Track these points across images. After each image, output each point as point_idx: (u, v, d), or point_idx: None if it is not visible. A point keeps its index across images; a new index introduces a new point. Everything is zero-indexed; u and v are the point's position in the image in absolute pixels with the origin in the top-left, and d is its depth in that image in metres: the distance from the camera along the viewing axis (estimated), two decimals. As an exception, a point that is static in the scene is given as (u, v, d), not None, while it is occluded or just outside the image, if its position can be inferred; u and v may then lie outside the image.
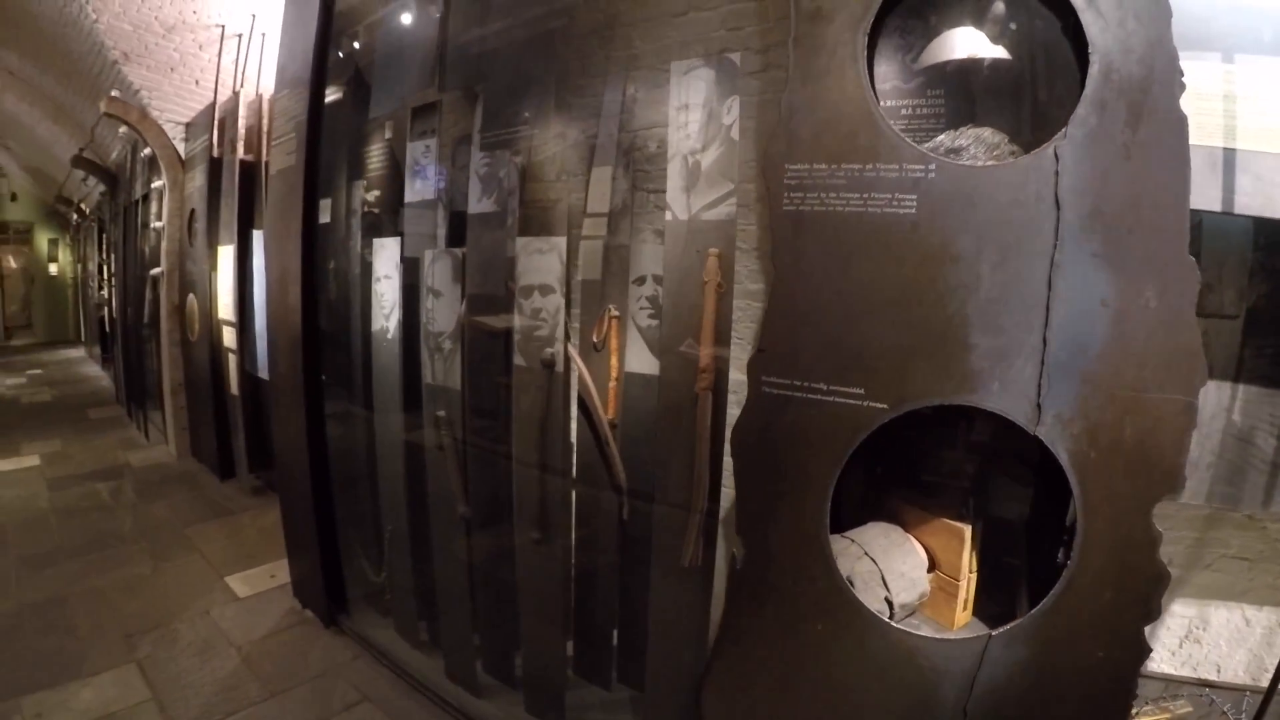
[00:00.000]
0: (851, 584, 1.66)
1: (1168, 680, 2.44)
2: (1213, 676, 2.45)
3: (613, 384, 2.27)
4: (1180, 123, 1.35)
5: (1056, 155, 1.35)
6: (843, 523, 1.82)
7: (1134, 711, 2.31)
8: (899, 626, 1.59)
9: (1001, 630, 1.46)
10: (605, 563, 2.36)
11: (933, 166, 1.42)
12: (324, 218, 3.11)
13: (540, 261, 2.25)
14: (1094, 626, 1.41)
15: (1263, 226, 2.02)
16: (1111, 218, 1.33)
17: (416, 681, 2.63)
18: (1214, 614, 2.40)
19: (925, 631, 1.68)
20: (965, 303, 1.39)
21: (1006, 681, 1.48)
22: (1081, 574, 1.39)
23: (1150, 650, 1.37)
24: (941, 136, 1.63)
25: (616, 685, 2.37)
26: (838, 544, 1.72)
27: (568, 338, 2.25)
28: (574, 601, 2.43)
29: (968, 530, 1.77)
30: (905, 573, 1.78)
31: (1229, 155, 1.91)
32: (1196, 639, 2.42)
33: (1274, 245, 2.01)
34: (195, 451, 5.26)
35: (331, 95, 3.02)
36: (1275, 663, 2.36)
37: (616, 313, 2.28)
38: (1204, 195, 1.85)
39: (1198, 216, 1.97)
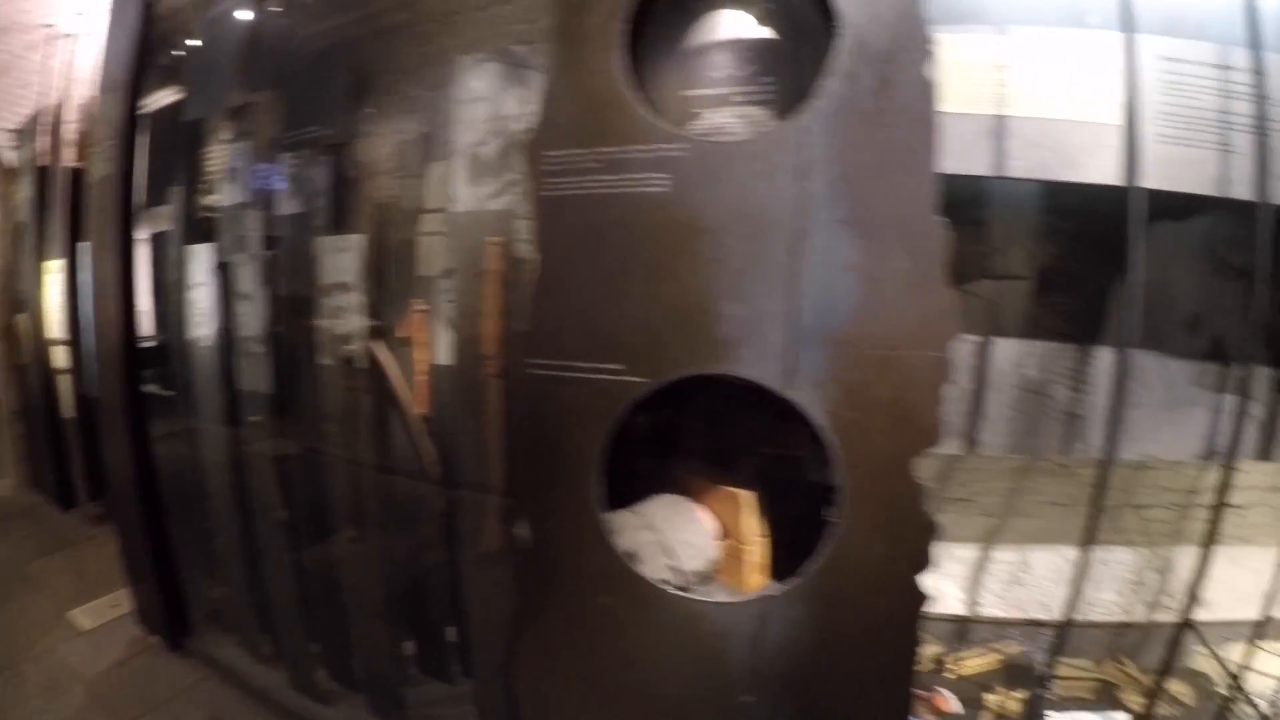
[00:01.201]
0: (635, 556, 1.68)
1: (996, 623, 2.58)
2: (1040, 615, 2.60)
3: (422, 377, 2.24)
4: (927, 89, 1.39)
5: (803, 127, 1.38)
6: (639, 499, 1.87)
7: (963, 655, 2.44)
8: (680, 594, 1.62)
9: (779, 590, 1.52)
10: (430, 557, 2.34)
11: (684, 145, 1.45)
12: (161, 226, 2.96)
13: (340, 260, 2.22)
14: (871, 580, 1.47)
15: (1051, 191, 2.13)
16: (859, 184, 1.38)
17: (263, 696, 2.57)
18: (1035, 557, 2.54)
19: (711, 597, 1.70)
20: (715, 275, 1.43)
21: (794, 639, 1.53)
22: (851, 530, 1.45)
23: (927, 597, 1.43)
24: (709, 115, 1.65)
25: (462, 678, 2.35)
26: (621, 519, 1.75)
27: (374, 335, 2.21)
28: (403, 598, 2.40)
29: (746, 496, 1.82)
30: (691, 541, 1.82)
31: (1001, 122, 1.99)
32: (1021, 581, 2.57)
33: (1062, 209, 2.12)
34: (36, 483, 4.91)
35: (164, 99, 2.89)
36: (1099, 597, 2.54)
37: (423, 306, 2.24)
38: (976, 160, 1.94)
39: (980, 182, 2.07)
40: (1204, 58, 2.12)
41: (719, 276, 1.43)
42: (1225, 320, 2.26)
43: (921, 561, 1.43)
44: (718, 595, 1.77)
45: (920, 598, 1.43)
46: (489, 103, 2.09)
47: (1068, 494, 2.48)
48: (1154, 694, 2.45)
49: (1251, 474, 2.55)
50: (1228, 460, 2.10)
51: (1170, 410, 2.20)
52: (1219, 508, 1.76)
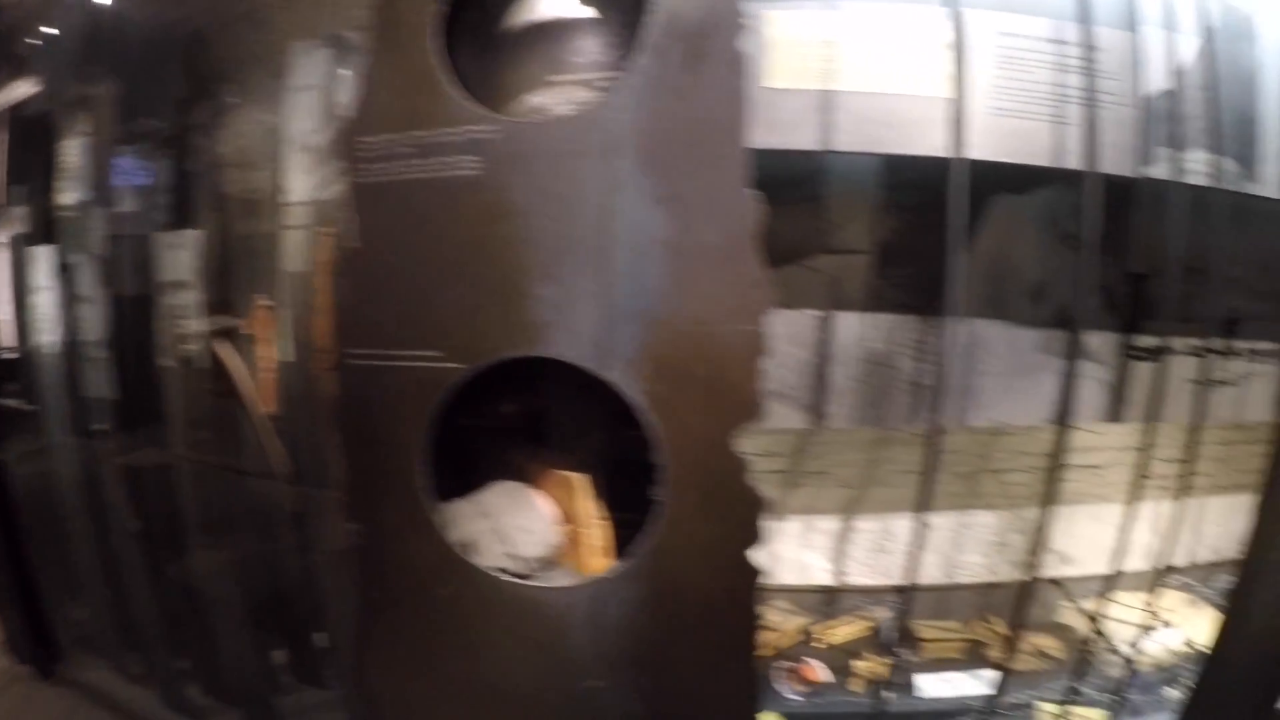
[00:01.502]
0: (471, 546, 1.67)
1: (864, 591, 2.63)
2: (906, 581, 2.65)
3: (268, 375, 2.19)
4: (738, 62, 1.36)
5: (612, 104, 1.35)
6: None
7: (832, 624, 2.48)
8: (514, 581, 1.61)
9: (611, 573, 1.49)
10: (289, 560, 2.30)
11: (495, 127, 1.41)
12: (17, 228, 2.83)
13: (177, 257, 2.14)
14: (702, 557, 1.44)
15: (890, 166, 2.13)
16: (669, 160, 1.35)
17: (138, 718, 2.50)
18: (898, 525, 2.58)
19: (544, 583, 1.71)
20: (527, 256, 1.40)
21: (632, 621, 1.50)
22: (677, 509, 1.42)
23: (760, 573, 1.40)
24: (530, 97, 1.62)
25: (334, 683, 2.32)
26: (456, 509, 1.73)
27: (218, 333, 2.15)
28: (268, 604, 2.36)
29: (579, 479, 1.81)
30: (528, 527, 1.80)
31: (831, 97, 1.98)
32: (886, 549, 2.61)
33: (901, 184, 2.13)
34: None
35: (16, 92, 2.76)
36: (964, 559, 2.60)
37: (266, 302, 2.18)
38: (806, 135, 1.93)
39: (817, 158, 2.06)
40: (1038, 32, 2.14)
41: (531, 258, 1.40)
42: (1069, 289, 2.31)
43: (751, 537, 1.40)
44: (561, 580, 1.76)
45: (753, 573, 1.41)
46: (322, 90, 2.03)
47: (924, 462, 2.52)
48: (1011, 645, 2.53)
49: (1106, 435, 2.62)
50: (1062, 422, 2.15)
51: (1018, 377, 2.24)
52: (1055, 469, 1.80)
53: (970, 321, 2.21)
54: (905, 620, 2.52)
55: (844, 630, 2.52)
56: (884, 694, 2.33)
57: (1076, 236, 2.28)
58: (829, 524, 2.55)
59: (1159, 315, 2.44)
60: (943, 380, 1.47)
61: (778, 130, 1.98)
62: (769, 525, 1.44)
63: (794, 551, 2.55)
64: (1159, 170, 2.22)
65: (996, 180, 2.20)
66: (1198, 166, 2.26)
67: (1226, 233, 2.38)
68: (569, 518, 1.88)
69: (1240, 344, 2.58)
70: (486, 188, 1.41)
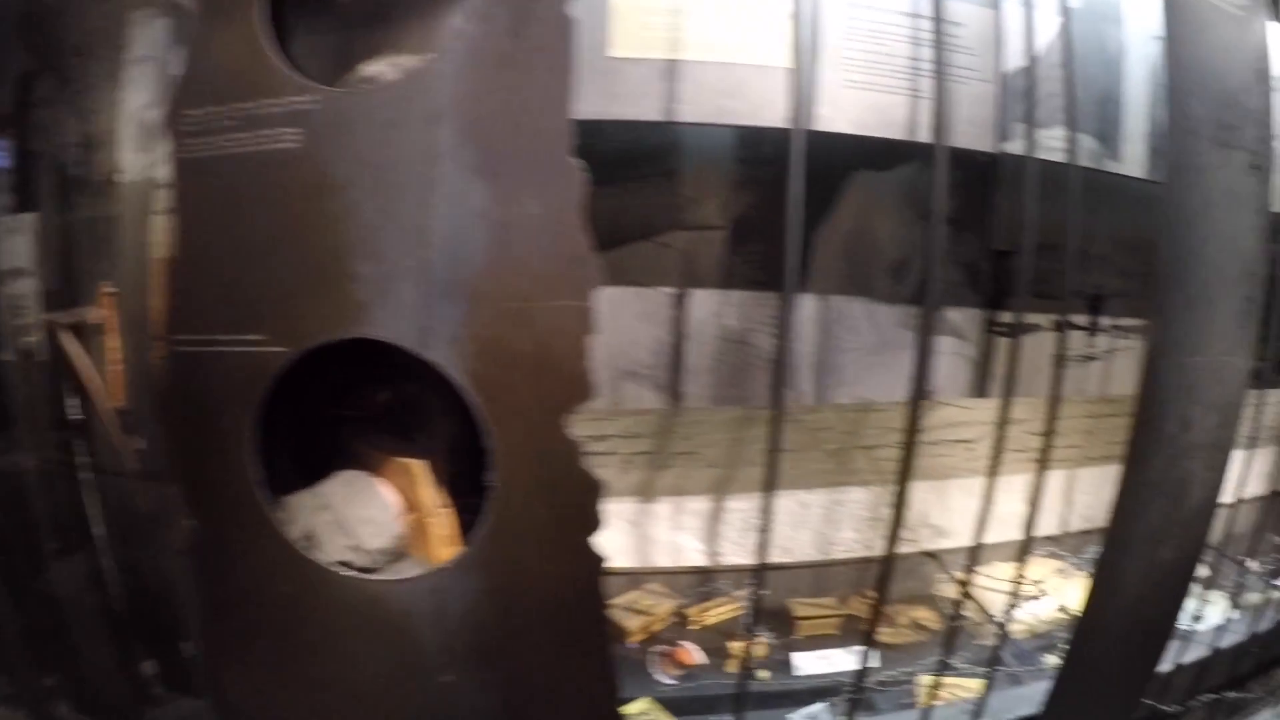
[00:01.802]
0: (312, 539, 1.57)
1: (738, 570, 2.57)
2: (783, 558, 2.60)
3: (116, 367, 2.03)
4: (565, 27, 1.28)
5: (434, 71, 1.27)
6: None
7: (707, 605, 2.41)
8: (354, 576, 1.51)
9: (449, 564, 1.41)
10: (149, 563, 2.16)
11: (316, 97, 1.31)
12: None
13: (12, 243, 1.98)
14: (541, 544, 1.38)
15: (743, 140, 2.05)
16: (491, 128, 1.28)
17: (9, 740, 2.33)
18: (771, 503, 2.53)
19: (399, 575, 1.60)
20: (346, 232, 1.32)
21: (476, 613, 1.43)
22: (509, 494, 1.35)
23: (603, 560, 1.35)
24: (364, 67, 1.53)
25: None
26: (296, 501, 1.62)
27: (58, 324, 2.00)
28: (133, 610, 2.21)
29: (418, 466, 1.72)
30: (372, 518, 1.71)
31: (677, 66, 1.90)
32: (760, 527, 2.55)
33: (756, 158, 2.05)
34: None
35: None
36: (839, 535, 2.55)
37: (112, 289, 2.03)
38: (647, 106, 1.84)
39: (668, 131, 1.97)
40: (894, 6, 2.08)
41: (351, 235, 1.32)
42: (927, 265, 2.26)
43: (589, 523, 1.35)
44: (409, 572, 1.66)
45: (596, 560, 1.36)
46: (159, 63, 1.88)
47: (794, 440, 2.46)
48: (885, 619, 2.49)
49: (975, 410, 2.59)
50: (918, 397, 2.09)
51: (880, 354, 2.18)
52: (909, 445, 1.75)
53: (829, 298, 2.15)
54: (760, 600, 2.47)
55: (718, 611, 2.46)
56: (759, 674, 2.26)
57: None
58: (700, 505, 2.48)
59: (1022, 292, 2.40)
60: (783, 356, 1.41)
61: (621, 101, 1.89)
62: (605, 509, 1.37)
63: (666, 533, 2.48)
64: (1017, 146, 2.17)
65: (856, 155, 2.14)
66: (1056, 144, 2.22)
67: (1088, 211, 2.35)
68: (412, 506, 1.79)
69: (1105, 320, 2.55)
70: (307, 161, 1.32)
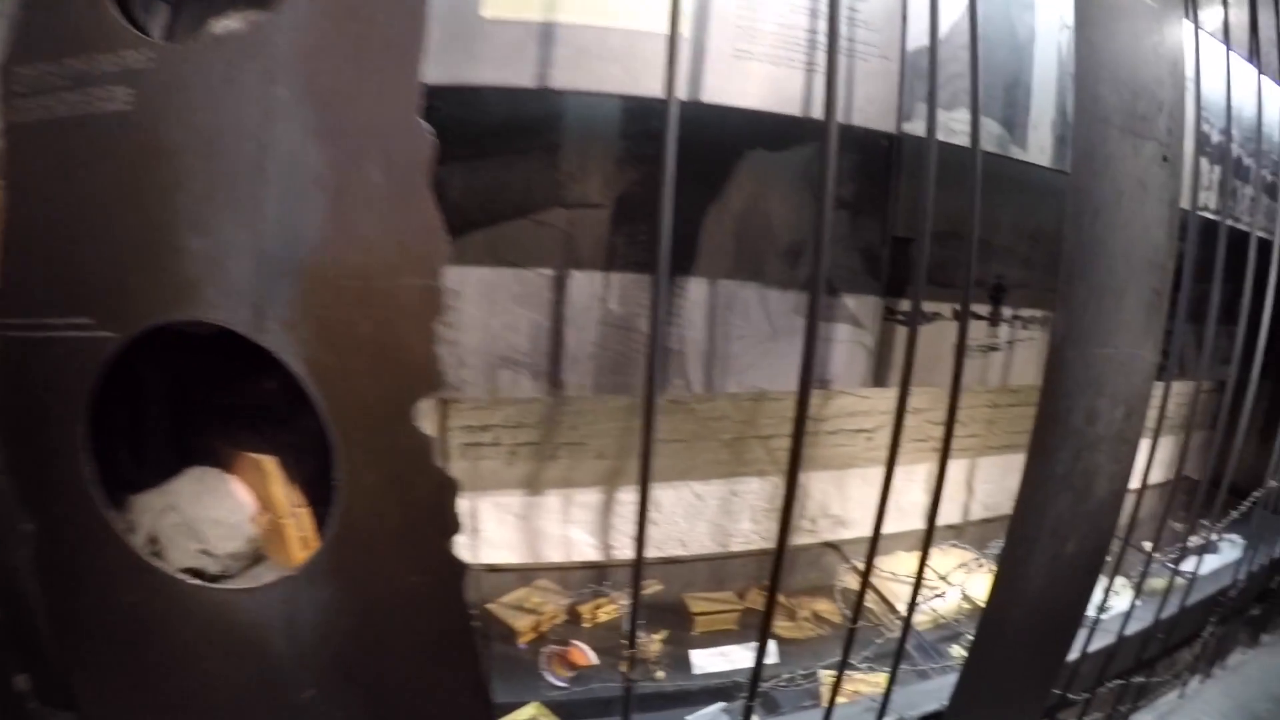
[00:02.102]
0: (159, 543, 1.43)
1: (629, 565, 2.42)
2: (679, 551, 2.46)
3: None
4: None
5: (274, 24, 1.12)
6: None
7: (600, 602, 2.25)
8: (200, 585, 1.36)
9: (298, 570, 1.27)
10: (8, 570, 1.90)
11: (152, 55, 1.15)
12: None
13: None
14: (396, 550, 1.25)
15: (631, 113, 1.88)
16: (331, 86, 1.13)
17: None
18: (662, 494, 2.38)
19: (256, 582, 1.42)
20: (176, 203, 1.16)
21: (331, 623, 1.29)
22: (355, 495, 1.21)
23: (466, 566, 1.23)
24: (213, 22, 1.36)
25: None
26: (142, 501, 1.48)
27: None
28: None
29: (268, 463, 1.54)
30: (223, 519, 1.53)
31: (551, 28, 1.70)
32: (652, 520, 2.40)
33: (642, 133, 1.88)
34: None
35: None
36: (736, 527, 2.41)
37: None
38: (522, 71, 1.66)
39: (553, 102, 1.79)
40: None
41: (181, 205, 1.17)
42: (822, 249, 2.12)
43: (446, 525, 1.22)
44: (267, 578, 1.47)
45: (458, 566, 1.24)
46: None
47: (687, 430, 2.32)
48: (786, 613, 2.37)
49: (874, 399, 2.48)
50: (806, 387, 1.96)
51: (774, 342, 2.03)
52: (798, 434, 1.60)
53: (719, 283, 1.99)
54: (640, 597, 2.33)
55: (611, 608, 2.31)
56: (655, 674, 2.12)
57: (835, 196, 2.09)
58: (590, 497, 2.32)
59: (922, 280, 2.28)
60: (654, 343, 1.23)
61: (493, 65, 1.70)
62: (462, 509, 1.23)
63: (556, 527, 2.31)
64: (919, 127, 2.04)
65: (748, 132, 1.98)
66: (959, 127, 2.09)
67: (991, 198, 2.24)
68: (267, 506, 1.60)
69: (1007, 310, 2.45)
70: (138, 125, 1.16)
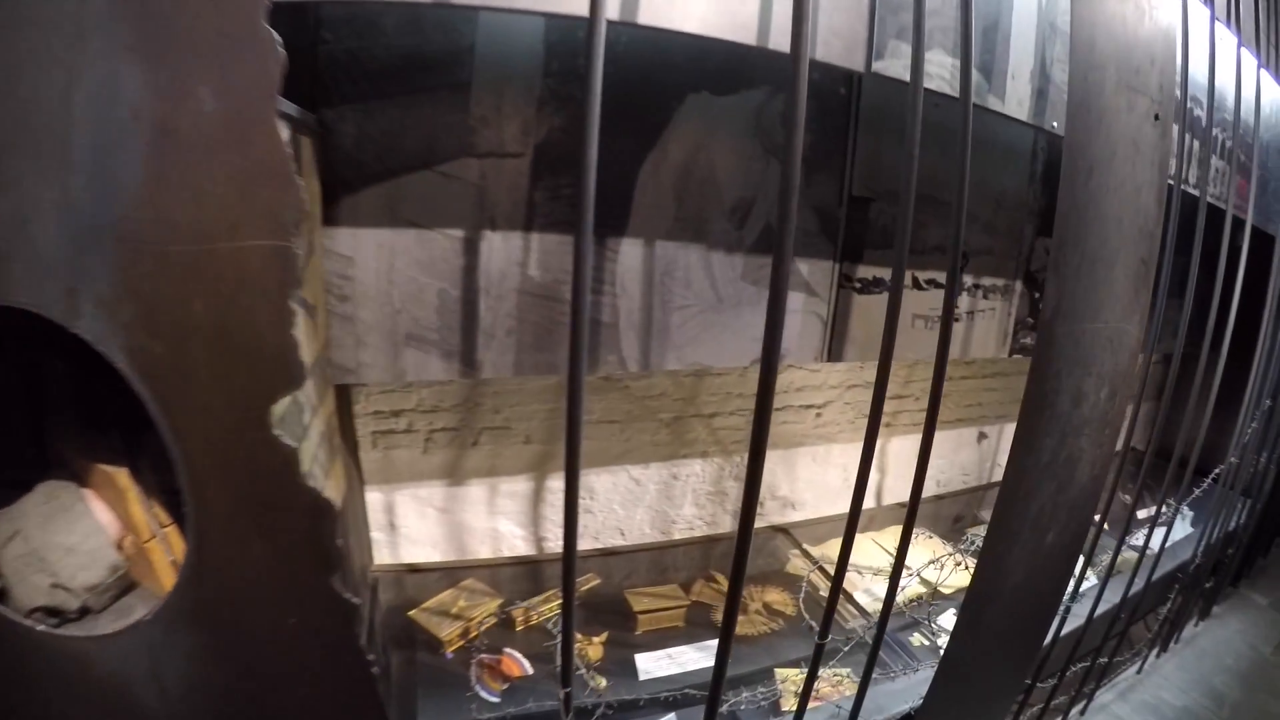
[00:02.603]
0: (3, 578, 1.14)
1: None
2: (618, 542, 2.17)
3: None
4: None
5: None
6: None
7: (534, 601, 1.95)
8: (50, 632, 1.07)
9: (155, 614, 0.99)
10: None
11: None
12: None
13: None
14: (265, 589, 0.99)
15: (555, 49, 1.54)
16: None
17: None
18: (597, 481, 2.08)
19: (92, 629, 1.14)
20: None
21: (204, 674, 1.03)
22: (209, 523, 0.94)
23: (358, 604, 0.97)
24: None
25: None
26: None
27: None
28: None
29: (122, 475, 1.22)
30: (76, 545, 1.23)
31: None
32: (587, 509, 2.11)
33: (567, 70, 1.54)
34: None
35: None
36: (679, 513, 2.12)
37: None
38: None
39: (459, 29, 1.44)
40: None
41: None
42: (774, 209, 1.82)
43: (323, 558, 0.97)
44: (138, 611, 1.15)
45: (345, 607, 0.98)
46: None
47: (622, 410, 2.02)
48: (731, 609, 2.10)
49: (823, 373, 2.20)
50: (770, 361, 1.67)
51: (719, 312, 1.73)
52: (761, 430, 1.30)
53: (657, 245, 1.68)
54: (571, 596, 2.04)
55: (547, 607, 2.00)
56: (595, 681, 1.83)
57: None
58: (518, 486, 2.00)
59: (880, 244, 2.00)
60: (579, 313, 0.90)
61: (377, -20, 1.34)
62: (339, 540, 0.96)
63: (483, 520, 2.00)
64: (890, 67, 1.73)
65: (694, 71, 1.66)
66: (936, 70, 1.79)
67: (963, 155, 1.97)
68: (128, 525, 1.27)
69: (969, 279, 2.19)
70: None
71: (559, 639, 1.10)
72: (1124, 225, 1.38)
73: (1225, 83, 2.16)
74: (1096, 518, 2.12)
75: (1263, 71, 2.25)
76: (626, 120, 1.61)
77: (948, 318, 1.29)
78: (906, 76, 1.71)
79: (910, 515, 1.40)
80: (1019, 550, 1.51)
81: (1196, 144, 2.20)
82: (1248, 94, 2.06)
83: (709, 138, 1.70)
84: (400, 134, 1.51)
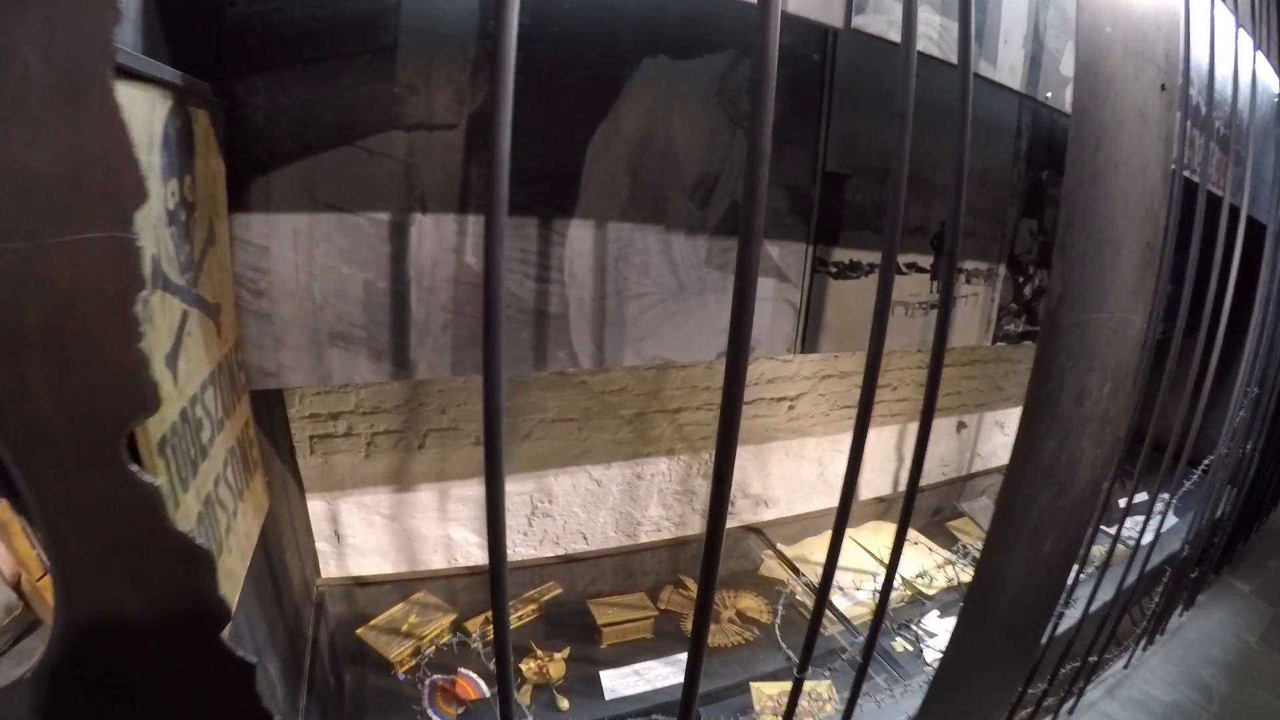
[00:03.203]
0: None
1: (528, 566, 1.89)
2: (580, 547, 1.94)
3: None
4: None
5: None
6: None
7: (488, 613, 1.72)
8: None
9: (30, 671, 0.78)
10: None
11: None
12: None
13: None
14: (142, 646, 0.79)
15: (492, 5, 1.29)
16: None
17: None
18: (555, 483, 1.85)
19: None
20: None
21: None
22: (70, 572, 0.75)
23: (251, 666, 0.79)
24: None
25: None
26: None
27: None
28: None
29: (4, 509, 1.01)
30: None
31: None
32: (546, 513, 1.88)
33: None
34: None
35: None
36: (645, 514, 1.89)
37: None
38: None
39: None
40: None
41: None
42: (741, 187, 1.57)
43: (206, 612, 0.78)
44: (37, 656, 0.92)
45: (241, 668, 0.79)
46: None
47: (579, 407, 1.79)
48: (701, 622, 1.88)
49: (795, 363, 1.97)
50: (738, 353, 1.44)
51: (680, 301, 1.49)
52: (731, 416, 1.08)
53: (610, 227, 1.44)
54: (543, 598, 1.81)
55: (511, 619, 1.76)
56: (558, 702, 1.61)
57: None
58: (471, 490, 1.77)
59: (858, 225, 1.77)
60: (495, 310, 0.66)
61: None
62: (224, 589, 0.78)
63: (434, 528, 1.76)
64: (873, 23, 1.49)
65: (649, 33, 1.41)
66: (928, 30, 1.55)
67: (939, 128, 1.73)
68: (18, 563, 1.05)
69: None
70: None
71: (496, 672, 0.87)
72: (1130, 205, 1.18)
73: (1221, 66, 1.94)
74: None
75: (1258, 54, 2.03)
76: (573, 87, 1.36)
77: (946, 303, 1.06)
78: (890, 34, 1.49)
79: (903, 522, 1.18)
80: (1016, 561, 1.33)
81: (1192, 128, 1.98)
82: (1244, 77, 1.85)
83: (667, 107, 1.46)
84: (317, 106, 1.26)
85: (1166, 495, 1.99)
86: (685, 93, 1.47)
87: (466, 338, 1.37)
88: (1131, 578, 1.93)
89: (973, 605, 1.34)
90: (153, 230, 0.85)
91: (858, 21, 1.42)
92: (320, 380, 1.35)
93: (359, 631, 1.69)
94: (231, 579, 1.15)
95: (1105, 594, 1.91)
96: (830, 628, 1.84)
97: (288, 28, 1.21)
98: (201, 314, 1.13)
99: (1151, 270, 1.27)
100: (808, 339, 1.74)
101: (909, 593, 2.00)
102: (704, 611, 0.87)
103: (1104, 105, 1.14)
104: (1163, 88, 1.21)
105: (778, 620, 1.82)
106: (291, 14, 1.21)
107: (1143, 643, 2.32)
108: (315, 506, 1.69)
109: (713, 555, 0.79)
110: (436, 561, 1.80)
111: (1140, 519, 1.99)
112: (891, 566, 1.24)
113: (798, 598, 1.93)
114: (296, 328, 1.31)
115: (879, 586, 2.01)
